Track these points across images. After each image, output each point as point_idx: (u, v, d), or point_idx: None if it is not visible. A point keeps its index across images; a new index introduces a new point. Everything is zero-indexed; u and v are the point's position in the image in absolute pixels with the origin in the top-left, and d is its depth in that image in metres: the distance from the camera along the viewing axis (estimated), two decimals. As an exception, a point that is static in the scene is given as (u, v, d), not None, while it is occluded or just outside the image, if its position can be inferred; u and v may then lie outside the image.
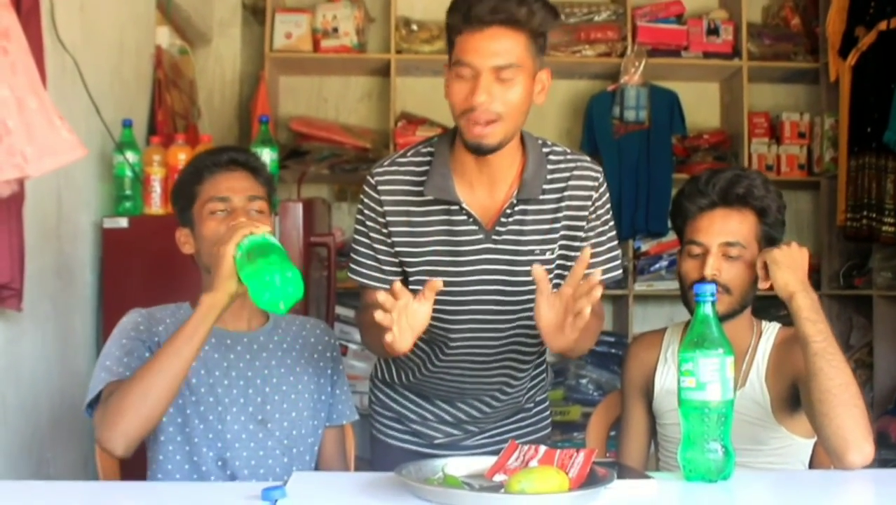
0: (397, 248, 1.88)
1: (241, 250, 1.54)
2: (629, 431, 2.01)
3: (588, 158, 1.93)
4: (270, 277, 1.48)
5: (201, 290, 1.78)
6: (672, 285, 4.20)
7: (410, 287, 1.83)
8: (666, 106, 4.13)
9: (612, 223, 1.94)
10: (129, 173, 2.76)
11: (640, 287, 4.19)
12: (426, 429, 2.06)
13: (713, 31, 4.19)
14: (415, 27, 4.18)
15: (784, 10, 4.34)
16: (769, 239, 1.88)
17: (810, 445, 1.87)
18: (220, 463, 1.74)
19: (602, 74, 4.32)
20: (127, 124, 2.79)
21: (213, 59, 4.14)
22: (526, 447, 1.47)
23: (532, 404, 2.12)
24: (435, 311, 1.73)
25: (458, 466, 1.46)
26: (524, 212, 1.84)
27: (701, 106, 4.39)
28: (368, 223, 1.90)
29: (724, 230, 1.85)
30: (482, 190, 1.85)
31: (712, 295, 1.49)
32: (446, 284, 1.76)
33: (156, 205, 2.79)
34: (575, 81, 4.41)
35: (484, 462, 1.48)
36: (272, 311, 1.53)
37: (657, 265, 4.20)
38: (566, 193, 1.86)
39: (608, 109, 4.16)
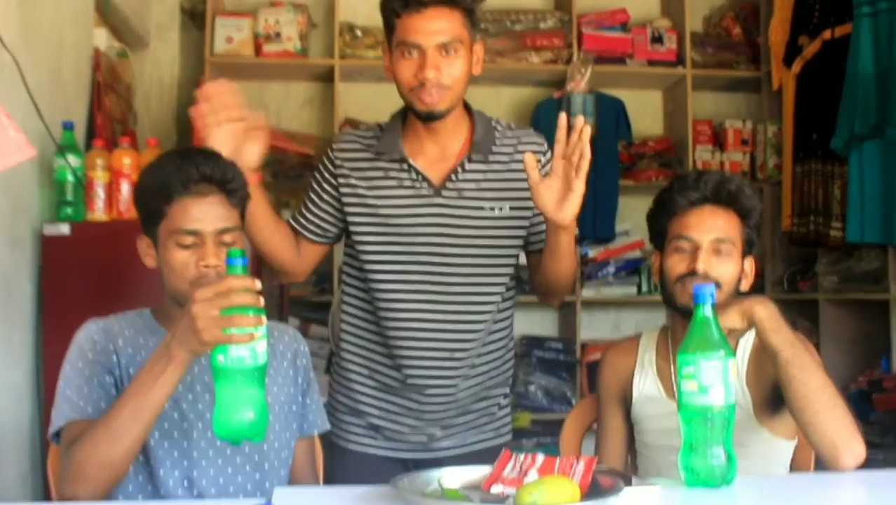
0: (346, 205, 2.02)
1: (222, 349, 1.39)
2: (606, 439, 1.96)
3: (532, 130, 2.11)
4: (232, 411, 1.38)
5: (166, 297, 1.69)
6: (618, 291, 4.21)
7: (363, 245, 2.01)
8: (612, 113, 4.14)
9: None
10: (70, 178, 2.62)
11: (587, 293, 4.18)
12: (387, 423, 2.04)
13: (657, 39, 4.22)
14: (358, 33, 4.12)
15: (725, 19, 4.40)
16: (749, 242, 1.88)
17: (791, 446, 1.86)
18: (185, 483, 1.63)
19: (548, 81, 4.31)
20: (68, 127, 2.65)
21: (150, 64, 4.01)
22: (521, 456, 1.41)
23: (496, 408, 2.13)
24: (384, 269, 1.99)
25: (453, 477, 1.39)
26: (475, 171, 1.99)
27: (646, 113, 4.42)
28: (320, 181, 2.06)
29: (715, 226, 1.84)
30: (433, 152, 2.01)
31: (712, 296, 1.46)
32: (396, 238, 1.97)
33: (99, 210, 2.65)
34: (521, 88, 4.40)
35: (478, 472, 1.41)
36: (220, 435, 1.42)
37: (604, 271, 4.19)
38: (515, 157, 2.00)
39: (554, 116, 4.00)
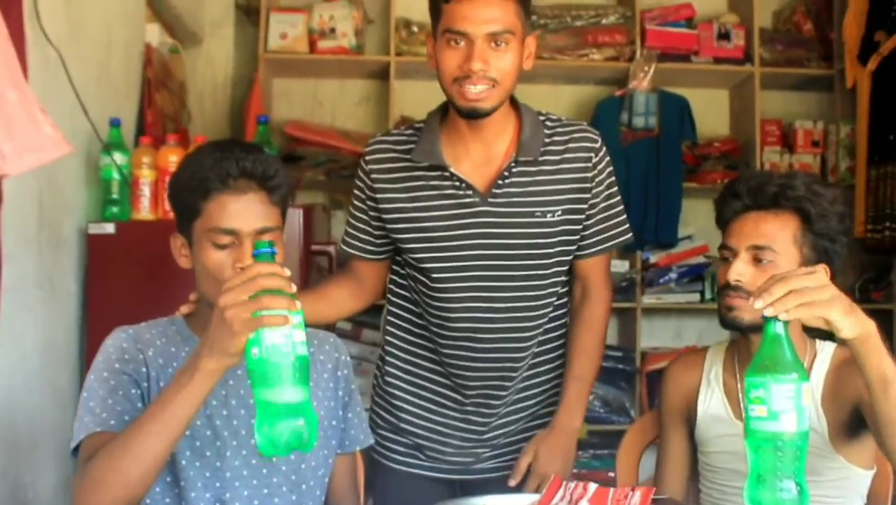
0: (387, 221, 1.91)
1: (255, 340, 1.27)
2: (668, 459, 1.85)
3: (585, 124, 1.94)
4: (276, 417, 1.25)
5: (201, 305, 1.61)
6: (681, 298, 4.07)
7: (413, 254, 1.89)
8: (676, 112, 4.00)
9: (616, 187, 1.94)
10: (116, 176, 2.58)
11: (648, 300, 4.04)
12: (432, 443, 1.95)
13: (724, 35, 4.06)
14: (415, 29, 4.03)
15: (796, 14, 4.22)
16: (820, 249, 1.71)
17: (870, 476, 1.72)
18: (217, 505, 1.54)
19: (609, 79, 4.18)
20: (115, 124, 2.61)
21: (203, 61, 3.98)
22: (572, 485, 1.31)
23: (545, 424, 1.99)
24: (433, 283, 1.86)
25: (498, 503, 1.29)
26: (522, 174, 1.84)
27: (711, 113, 4.26)
28: (360, 195, 1.96)
29: (755, 233, 1.69)
30: (478, 155, 1.86)
31: (783, 312, 1.32)
32: (442, 253, 1.84)
33: (145, 210, 2.61)
34: (581, 86, 4.27)
35: (524, 500, 1.31)
36: (264, 451, 1.28)
37: (666, 277, 4.05)
38: (566, 156, 1.87)
39: (616, 116, 4.02)
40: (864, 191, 3.55)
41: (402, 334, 2.00)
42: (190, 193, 1.53)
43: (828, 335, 1.49)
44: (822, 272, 1.39)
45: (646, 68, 3.94)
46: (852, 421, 1.64)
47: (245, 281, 1.27)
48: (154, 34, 3.32)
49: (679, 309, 4.17)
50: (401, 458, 1.99)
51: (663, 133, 3.97)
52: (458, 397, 1.94)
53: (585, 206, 1.88)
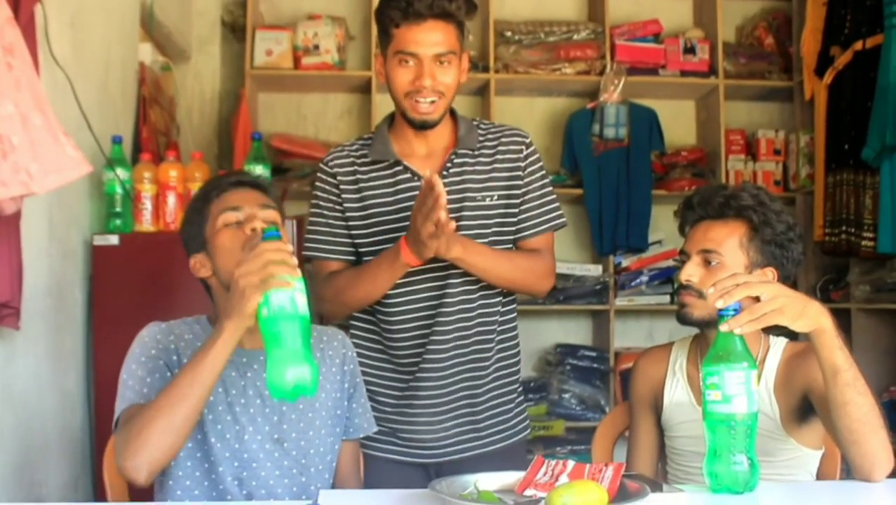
0: (350, 220, 2.12)
1: (264, 302, 1.49)
2: (638, 445, 2.02)
3: (516, 127, 2.20)
4: (283, 366, 1.45)
5: (216, 309, 1.79)
6: (652, 300, 4.25)
7: (365, 258, 2.11)
8: (645, 123, 4.18)
9: (548, 178, 2.19)
10: (119, 190, 2.73)
11: (620, 302, 4.22)
12: (403, 425, 2.10)
13: (690, 49, 4.26)
14: (395, 45, 4.19)
15: (757, 29, 4.42)
16: (766, 253, 1.87)
17: (818, 456, 1.90)
18: (237, 483, 1.72)
19: (581, 92, 4.36)
20: (117, 141, 2.76)
21: (192, 76, 4.12)
22: (553, 462, 1.48)
23: (513, 405, 2.18)
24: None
25: (488, 481, 1.46)
26: (463, 164, 2.10)
27: (678, 123, 4.45)
28: (322, 203, 2.14)
29: (704, 238, 1.89)
30: (423, 152, 2.12)
31: (735, 310, 1.51)
32: (394, 241, 2.02)
33: (146, 222, 2.76)
34: (554, 99, 4.45)
35: (511, 477, 1.48)
36: (276, 396, 1.49)
37: (637, 280, 4.23)
38: (499, 149, 2.13)
39: (588, 127, 4.20)
40: (823, 197, 3.75)
41: (362, 325, 2.17)
42: (197, 209, 1.80)
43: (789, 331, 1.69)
44: (774, 284, 1.59)
45: (616, 81, 4.12)
46: (802, 407, 1.83)
47: (255, 256, 1.52)
48: (147, 53, 3.48)
49: (650, 311, 4.35)
50: (377, 444, 2.11)
51: (633, 143, 4.15)
52: (416, 381, 2.10)
53: (520, 192, 2.12)
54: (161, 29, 3.58)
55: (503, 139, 2.15)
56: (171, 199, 2.76)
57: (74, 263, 2.65)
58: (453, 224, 1.87)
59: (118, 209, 2.74)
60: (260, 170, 2.78)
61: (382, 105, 4.20)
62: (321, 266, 2.17)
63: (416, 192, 2.01)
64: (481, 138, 2.13)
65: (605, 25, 4.23)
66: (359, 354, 2.09)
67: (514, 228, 2.14)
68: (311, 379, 1.46)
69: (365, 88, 4.24)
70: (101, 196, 2.77)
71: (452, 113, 2.15)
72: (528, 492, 1.40)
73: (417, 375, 2.09)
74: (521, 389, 2.23)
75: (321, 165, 2.17)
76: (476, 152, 2.11)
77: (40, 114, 1.85)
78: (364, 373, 2.06)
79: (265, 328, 1.48)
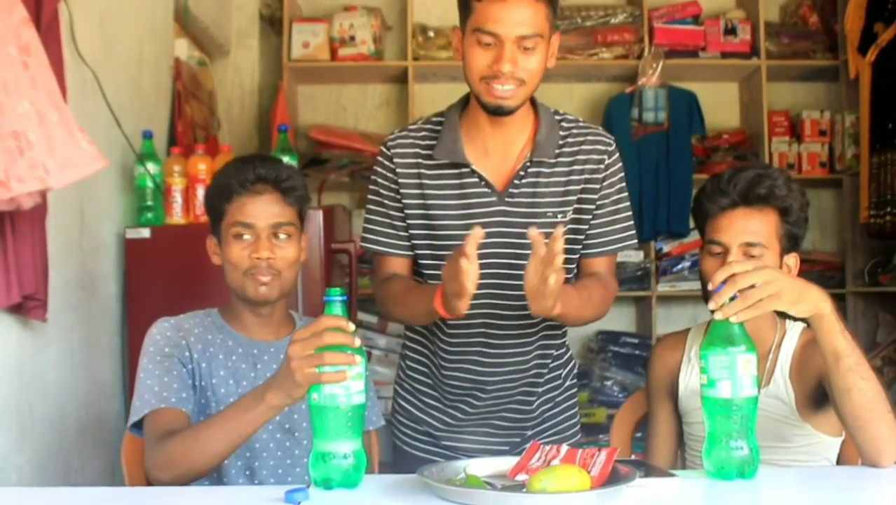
0: (409, 217, 1.92)
1: (315, 387, 1.42)
2: (656, 432, 2.00)
3: (600, 128, 1.97)
4: (327, 454, 1.41)
5: (230, 302, 1.83)
6: (695, 286, 4.18)
7: (420, 259, 1.93)
8: (685, 107, 4.13)
9: (626, 192, 1.97)
10: (150, 184, 2.78)
11: (662, 288, 4.18)
12: (454, 442, 2.02)
13: (730, 31, 4.18)
14: (431, 34, 4.20)
15: (802, 8, 4.32)
16: (791, 237, 1.86)
17: (837, 442, 1.86)
18: (247, 472, 1.74)
19: (620, 77, 4.32)
20: (147, 136, 2.81)
21: (231, 71, 4.18)
22: (548, 447, 1.47)
23: (556, 413, 2.06)
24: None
25: (481, 466, 1.46)
26: (537, 174, 1.88)
27: (720, 106, 4.38)
28: (382, 191, 1.94)
29: (745, 230, 1.82)
30: (496, 153, 1.89)
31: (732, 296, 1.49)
32: (452, 249, 1.77)
33: (177, 215, 2.81)
34: (592, 84, 4.42)
35: (507, 462, 1.48)
36: (317, 484, 1.44)
37: (679, 266, 4.18)
38: (579, 157, 1.90)
39: (627, 111, 4.15)
40: (868, 178, 3.66)
41: (418, 337, 2.05)
42: (217, 198, 1.81)
43: None
44: (768, 270, 1.55)
45: (654, 65, 4.07)
46: (817, 393, 1.79)
47: (312, 335, 1.42)
48: (182, 48, 3.53)
49: (695, 296, 4.28)
50: (418, 444, 2.07)
51: (673, 127, 4.10)
52: (474, 398, 1.98)
53: (593, 206, 1.91)
54: (197, 24, 3.63)
55: (585, 145, 1.90)
56: (201, 192, 2.80)
57: (107, 257, 2.71)
58: (562, 275, 1.63)
59: (149, 203, 2.79)
60: (286, 162, 2.79)
61: (420, 95, 4.23)
62: (380, 261, 1.99)
63: (486, 202, 1.86)
64: (561, 141, 1.89)
65: (643, 8, 4.18)
66: (407, 368, 2.06)
67: (579, 246, 1.94)
68: (355, 469, 1.41)
69: (402, 78, 4.25)
70: (132, 190, 2.82)
71: (534, 104, 1.91)
72: (520, 477, 1.39)
73: (465, 398, 1.98)
74: (575, 401, 2.09)
75: (381, 148, 1.96)
76: (553, 160, 1.88)
77: (56, 111, 1.90)
78: (409, 385, 2.04)
79: (314, 413, 1.42)
